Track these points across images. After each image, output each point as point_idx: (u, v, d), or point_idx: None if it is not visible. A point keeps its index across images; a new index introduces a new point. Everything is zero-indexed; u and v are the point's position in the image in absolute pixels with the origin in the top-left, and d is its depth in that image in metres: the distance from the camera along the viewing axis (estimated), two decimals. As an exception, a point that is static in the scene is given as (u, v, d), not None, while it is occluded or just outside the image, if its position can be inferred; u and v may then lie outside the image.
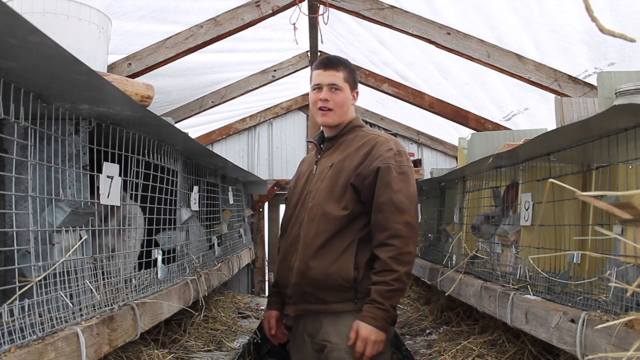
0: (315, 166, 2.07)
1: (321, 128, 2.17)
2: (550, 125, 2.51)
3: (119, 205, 1.46)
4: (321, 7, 3.09)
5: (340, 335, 1.87)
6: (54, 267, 1.10)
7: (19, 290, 0.98)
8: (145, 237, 1.74)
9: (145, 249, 1.72)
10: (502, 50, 2.94)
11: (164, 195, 1.73)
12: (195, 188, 2.27)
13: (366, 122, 5.73)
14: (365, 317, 1.82)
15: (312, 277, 1.90)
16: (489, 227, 1.99)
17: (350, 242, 1.91)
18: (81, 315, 1.18)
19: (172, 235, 1.88)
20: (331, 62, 2.05)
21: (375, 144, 1.96)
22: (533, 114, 3.51)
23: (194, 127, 5.03)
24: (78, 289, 1.20)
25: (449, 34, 2.98)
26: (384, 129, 5.79)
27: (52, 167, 1.18)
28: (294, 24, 3.11)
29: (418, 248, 3.12)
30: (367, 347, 1.80)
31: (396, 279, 1.82)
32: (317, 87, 2.04)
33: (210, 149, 4.76)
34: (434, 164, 5.64)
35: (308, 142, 2.25)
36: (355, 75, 2.10)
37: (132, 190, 1.52)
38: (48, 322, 1.04)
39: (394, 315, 1.86)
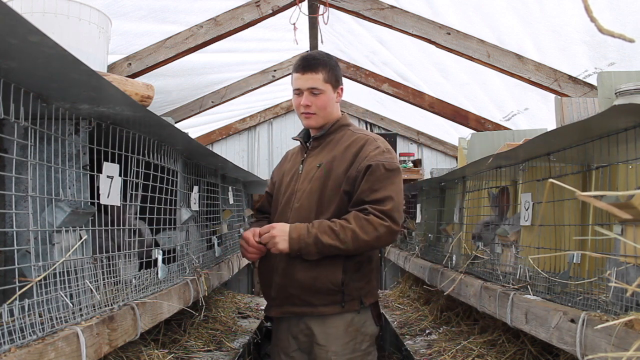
0: (301, 165, 2.02)
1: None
2: (550, 125, 2.51)
3: (119, 205, 1.46)
4: (321, 7, 3.09)
5: (328, 338, 1.86)
6: (54, 267, 1.10)
7: (19, 290, 0.98)
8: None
9: (145, 249, 1.72)
10: (502, 50, 2.94)
11: (164, 195, 1.73)
12: (195, 188, 2.27)
13: (366, 123, 5.80)
14: (291, 226, 1.82)
15: (299, 279, 1.87)
16: (489, 233, 1.99)
17: None
18: (81, 315, 1.17)
19: (172, 235, 1.88)
20: (309, 65, 1.94)
21: (364, 144, 1.92)
22: (533, 114, 3.52)
23: (194, 127, 5.04)
24: (78, 289, 1.20)
25: (449, 34, 2.98)
26: (383, 128, 5.80)
27: (52, 167, 1.18)
28: (294, 24, 3.11)
29: (418, 248, 3.11)
30: (268, 240, 1.83)
31: (344, 239, 1.76)
32: (298, 92, 1.96)
33: (210, 149, 4.76)
34: (434, 164, 5.64)
35: (293, 139, 2.21)
36: (337, 71, 1.99)
37: (132, 190, 1.52)
38: (48, 322, 1.03)
39: (311, 251, 1.80)
